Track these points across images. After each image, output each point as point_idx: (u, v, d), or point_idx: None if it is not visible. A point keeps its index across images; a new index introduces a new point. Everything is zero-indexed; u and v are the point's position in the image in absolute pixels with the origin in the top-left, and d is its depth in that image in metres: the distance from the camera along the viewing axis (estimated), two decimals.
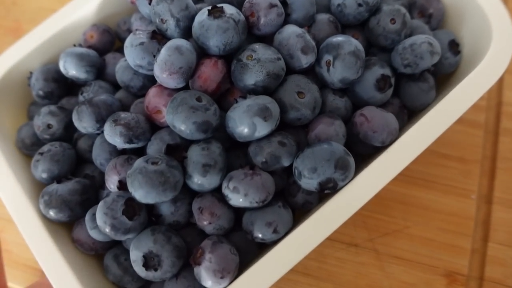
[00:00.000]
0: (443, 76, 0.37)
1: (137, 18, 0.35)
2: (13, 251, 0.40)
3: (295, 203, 0.31)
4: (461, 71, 0.36)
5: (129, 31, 0.37)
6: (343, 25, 0.34)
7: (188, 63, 0.28)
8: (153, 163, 0.27)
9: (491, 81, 0.31)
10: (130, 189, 0.27)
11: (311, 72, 0.32)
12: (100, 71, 0.35)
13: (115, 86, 0.35)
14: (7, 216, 0.40)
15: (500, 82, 0.44)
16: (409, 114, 0.35)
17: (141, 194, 0.27)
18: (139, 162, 0.27)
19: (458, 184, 0.41)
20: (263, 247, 0.31)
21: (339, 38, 0.30)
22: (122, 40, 0.38)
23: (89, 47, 0.36)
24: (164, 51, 0.28)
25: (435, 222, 0.39)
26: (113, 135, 0.29)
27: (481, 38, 0.34)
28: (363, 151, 0.33)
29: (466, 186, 0.41)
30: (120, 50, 0.38)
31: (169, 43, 0.29)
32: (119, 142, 0.29)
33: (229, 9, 0.29)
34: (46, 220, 0.31)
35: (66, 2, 0.48)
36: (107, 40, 0.37)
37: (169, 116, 0.28)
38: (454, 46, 0.35)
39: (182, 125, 0.28)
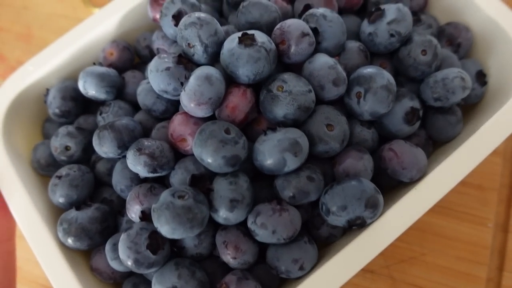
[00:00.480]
0: (468, 105, 0.36)
1: (159, 36, 0.34)
2: (23, 267, 0.39)
3: (318, 236, 0.31)
4: (486, 101, 0.35)
5: (149, 47, 0.36)
6: (372, 53, 0.33)
7: (217, 94, 0.28)
8: (179, 197, 0.27)
9: None
10: (156, 224, 0.26)
11: (338, 102, 0.31)
12: (119, 91, 0.34)
13: (135, 106, 0.34)
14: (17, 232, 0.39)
15: None
16: (434, 144, 0.34)
17: (167, 230, 0.26)
18: (165, 196, 0.26)
19: (475, 212, 0.40)
20: (285, 280, 0.31)
21: (371, 70, 0.30)
22: (141, 57, 0.37)
23: (109, 65, 0.35)
24: (193, 80, 0.27)
25: (451, 250, 0.39)
26: (136, 164, 0.28)
27: (509, 69, 0.34)
28: (388, 184, 0.33)
29: (483, 214, 0.40)
30: (139, 68, 0.37)
31: (199, 72, 0.28)
32: (142, 172, 0.28)
33: (260, 37, 0.28)
34: (63, 246, 0.30)
35: (79, 7, 0.48)
36: (127, 58, 0.35)
37: (197, 149, 0.27)
38: (481, 77, 0.34)
39: (210, 159, 0.27)
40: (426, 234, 0.40)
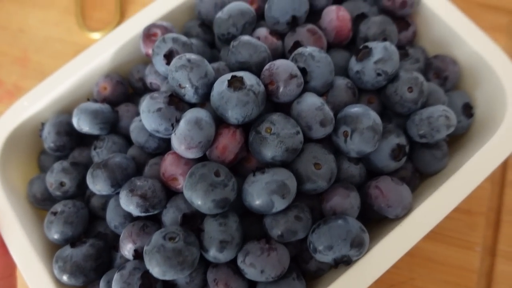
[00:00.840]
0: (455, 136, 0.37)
1: (151, 71, 0.35)
2: None
3: (307, 270, 0.32)
4: (473, 133, 0.36)
5: (142, 80, 0.37)
6: (360, 89, 0.34)
7: (207, 137, 0.28)
8: (170, 239, 0.27)
9: (506, 153, 0.32)
10: (148, 266, 0.27)
11: (327, 139, 0.32)
12: (113, 125, 0.34)
13: (128, 140, 0.34)
14: None
15: None
16: (421, 176, 0.35)
17: (158, 272, 0.27)
18: (156, 239, 0.27)
19: (463, 236, 0.41)
20: None
21: (357, 110, 0.30)
22: (135, 89, 0.38)
23: (103, 99, 0.35)
24: (183, 124, 0.28)
25: (439, 274, 0.40)
26: (129, 205, 0.29)
27: (495, 102, 0.35)
28: (375, 216, 0.33)
29: (471, 238, 0.41)
30: (133, 99, 0.37)
31: (189, 116, 0.28)
32: (135, 211, 0.29)
33: (249, 79, 0.29)
34: (59, 283, 0.31)
35: (75, 31, 0.48)
36: (120, 92, 0.36)
37: (187, 192, 0.28)
38: (467, 109, 0.35)
39: (200, 202, 0.27)
40: (415, 259, 0.41)
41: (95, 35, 0.48)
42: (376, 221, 0.34)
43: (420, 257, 0.41)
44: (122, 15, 0.49)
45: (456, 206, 0.41)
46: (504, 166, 0.44)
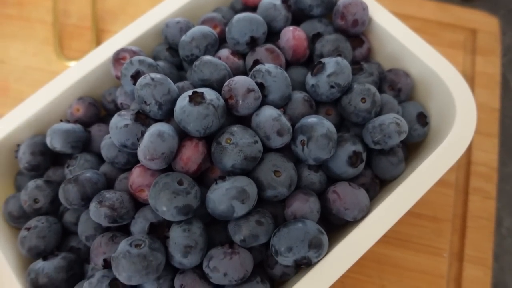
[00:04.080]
0: (414, 144, 0.39)
1: (121, 92, 0.37)
2: None
3: (273, 275, 0.33)
4: (430, 140, 0.38)
5: (114, 102, 0.39)
6: (317, 102, 0.36)
7: (169, 149, 0.30)
8: (136, 246, 0.29)
9: (455, 157, 0.34)
10: (115, 272, 0.28)
11: (287, 148, 0.34)
12: (85, 144, 0.36)
13: (100, 158, 0.36)
14: None
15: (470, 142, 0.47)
16: (381, 182, 0.37)
17: (125, 277, 0.28)
18: (122, 245, 0.29)
19: (431, 243, 0.43)
20: None
21: (312, 120, 0.32)
22: (107, 110, 0.40)
23: (76, 121, 0.37)
24: (147, 137, 0.30)
25: (409, 280, 0.41)
26: (98, 216, 0.30)
27: (446, 111, 0.37)
28: (337, 222, 0.35)
29: (438, 245, 0.43)
30: (106, 121, 0.39)
31: (152, 129, 0.30)
32: (104, 222, 0.31)
33: (208, 94, 0.31)
34: None
35: (53, 61, 0.51)
36: (92, 113, 0.38)
37: (152, 201, 0.29)
38: (422, 118, 0.37)
39: (164, 208, 0.29)
40: (385, 266, 0.42)
41: (73, 64, 0.50)
42: (338, 227, 0.35)
43: (390, 264, 0.42)
44: (98, 44, 0.51)
45: (423, 212, 0.44)
46: (466, 173, 0.46)
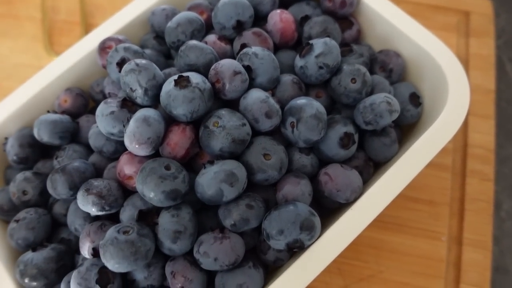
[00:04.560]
0: (408, 125, 0.38)
1: (109, 82, 0.36)
2: None
3: (266, 260, 0.32)
4: (424, 121, 0.37)
5: (102, 92, 0.38)
6: (307, 85, 0.35)
7: (156, 133, 0.30)
8: (124, 233, 0.28)
9: (449, 135, 0.33)
10: (103, 259, 0.28)
11: (277, 131, 0.33)
12: (74, 135, 0.36)
13: (89, 148, 0.36)
14: None
15: (465, 124, 0.46)
16: (375, 165, 0.36)
17: (113, 264, 0.28)
18: (110, 232, 0.28)
19: (429, 227, 0.42)
20: None
21: (301, 101, 0.32)
22: (96, 101, 0.39)
23: (63, 112, 0.37)
24: (132, 122, 0.29)
25: (407, 265, 0.41)
26: (85, 204, 0.30)
27: (439, 90, 0.36)
28: (331, 205, 0.34)
29: (436, 229, 0.42)
30: (94, 112, 0.39)
31: (137, 114, 0.30)
32: (92, 211, 0.30)
33: (194, 78, 0.30)
34: (21, 287, 0.31)
35: (43, 57, 0.51)
36: (80, 104, 0.38)
37: (139, 186, 0.29)
38: (414, 99, 0.37)
39: (151, 194, 0.29)
40: (383, 252, 0.41)
41: None
42: (331, 211, 0.35)
43: (387, 250, 0.41)
44: None
45: (420, 196, 0.43)
46: (463, 156, 0.45)
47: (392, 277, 0.40)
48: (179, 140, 0.31)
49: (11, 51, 0.51)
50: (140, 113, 0.30)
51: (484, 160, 0.45)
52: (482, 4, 0.52)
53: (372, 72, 0.38)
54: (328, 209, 0.35)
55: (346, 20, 0.39)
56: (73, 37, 0.51)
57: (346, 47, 0.37)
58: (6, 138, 0.36)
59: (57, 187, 0.31)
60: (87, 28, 0.52)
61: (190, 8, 0.39)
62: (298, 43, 0.38)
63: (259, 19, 0.38)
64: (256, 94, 0.31)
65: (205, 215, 0.32)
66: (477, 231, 0.42)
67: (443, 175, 0.44)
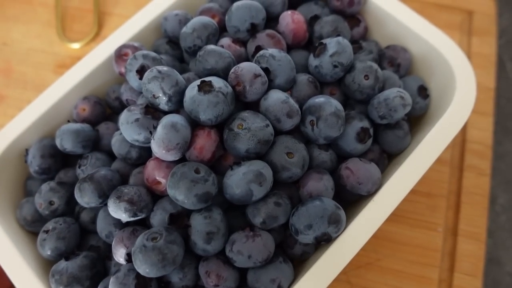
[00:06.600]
0: (416, 117, 0.40)
1: (126, 89, 0.37)
2: None
3: (293, 254, 0.34)
4: (432, 113, 0.39)
5: (118, 99, 0.39)
6: (321, 83, 0.36)
7: (184, 139, 0.30)
8: (152, 239, 0.29)
9: (457, 127, 0.35)
10: (135, 265, 0.29)
11: (297, 130, 0.34)
12: (95, 143, 0.36)
13: (111, 156, 0.36)
14: None
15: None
16: (389, 157, 0.38)
17: (143, 270, 0.29)
18: (139, 240, 0.29)
19: (426, 218, 0.43)
20: None
21: (320, 100, 0.33)
22: (113, 108, 0.40)
23: (83, 120, 0.37)
24: (160, 129, 0.30)
25: (404, 254, 0.42)
26: (117, 211, 0.31)
27: (446, 84, 0.38)
28: (351, 198, 0.36)
29: (433, 220, 0.43)
30: (112, 119, 0.39)
31: (165, 120, 0.30)
32: (124, 217, 0.31)
33: (217, 82, 0.31)
34: None
35: (55, 42, 0.52)
36: (99, 112, 0.38)
37: (171, 191, 0.30)
38: (422, 91, 0.38)
39: (184, 198, 0.29)
40: (381, 241, 0.42)
41: (75, 45, 0.51)
42: (354, 203, 0.36)
43: (385, 239, 0.42)
44: (100, 26, 0.52)
45: (418, 188, 0.44)
46: (461, 151, 0.46)
47: (389, 265, 0.41)
48: (205, 143, 0.32)
49: (24, 36, 0.52)
50: (167, 119, 0.31)
51: (482, 155, 0.46)
52: (486, 3, 0.53)
53: (380, 67, 0.39)
54: (347, 201, 0.36)
55: (353, 18, 0.40)
56: (85, 24, 0.52)
57: (355, 45, 0.38)
58: (27, 150, 0.37)
59: (86, 195, 0.32)
60: (100, 16, 0.53)
61: (202, 12, 0.39)
62: (309, 43, 0.39)
63: (269, 20, 0.39)
64: (276, 95, 0.32)
65: (231, 215, 0.33)
66: (472, 223, 0.43)
67: (441, 169, 0.45)
